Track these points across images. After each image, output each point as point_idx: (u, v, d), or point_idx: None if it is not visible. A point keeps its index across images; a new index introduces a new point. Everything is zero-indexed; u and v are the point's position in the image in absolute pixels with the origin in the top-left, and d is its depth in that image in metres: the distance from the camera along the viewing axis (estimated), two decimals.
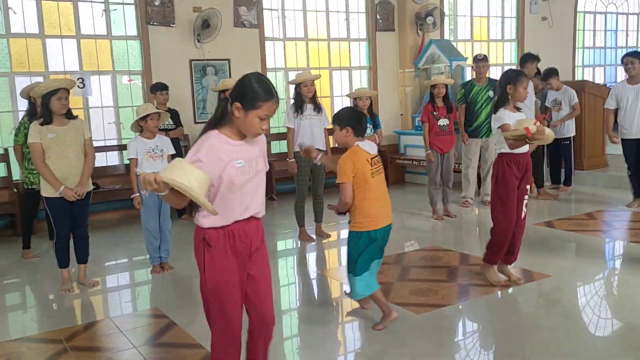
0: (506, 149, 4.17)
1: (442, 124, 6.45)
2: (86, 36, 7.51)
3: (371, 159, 3.57)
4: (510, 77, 4.24)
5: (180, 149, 7.07)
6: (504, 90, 4.25)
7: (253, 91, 2.45)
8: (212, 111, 8.14)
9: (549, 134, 4.03)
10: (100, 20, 7.57)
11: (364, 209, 3.56)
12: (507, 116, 4.20)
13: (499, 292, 4.29)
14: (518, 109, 4.36)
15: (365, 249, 3.60)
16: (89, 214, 4.83)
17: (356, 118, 3.62)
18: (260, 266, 2.71)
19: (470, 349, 3.46)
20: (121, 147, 7.80)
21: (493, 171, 4.39)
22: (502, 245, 4.29)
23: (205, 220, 2.51)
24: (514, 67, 11.07)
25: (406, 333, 3.61)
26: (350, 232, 3.67)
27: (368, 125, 6.10)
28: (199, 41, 8.03)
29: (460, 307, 4.05)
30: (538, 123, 3.91)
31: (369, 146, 3.60)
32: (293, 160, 5.79)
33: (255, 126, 2.48)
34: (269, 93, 2.47)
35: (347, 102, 9.55)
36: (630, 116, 6.51)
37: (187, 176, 2.25)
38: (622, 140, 6.73)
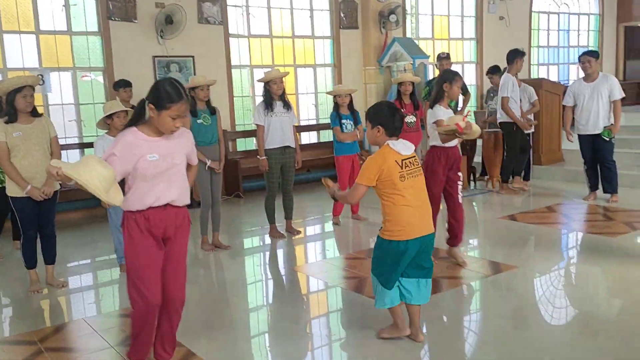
0: (437, 143, 4.62)
1: (409, 121, 6.56)
2: (46, 32, 7.33)
3: (402, 160, 3.18)
4: (448, 76, 4.64)
5: None
6: (441, 88, 4.63)
7: (165, 93, 2.79)
8: None
9: (476, 130, 4.36)
10: (60, 16, 7.40)
11: (394, 216, 3.17)
12: (441, 112, 4.58)
13: (469, 284, 4.42)
14: (452, 107, 4.85)
15: (397, 261, 3.19)
16: (55, 213, 4.73)
17: (388, 115, 3.22)
18: (175, 252, 3.02)
19: (446, 338, 3.55)
20: (83, 145, 7.65)
21: (424, 161, 4.77)
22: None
23: (124, 204, 2.85)
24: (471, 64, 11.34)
25: (382, 326, 3.68)
26: (377, 238, 3.29)
27: (349, 121, 6.26)
28: (162, 37, 7.94)
29: (434, 299, 4.13)
30: (466, 119, 4.25)
31: (401, 146, 3.22)
32: (264, 157, 5.80)
33: (168, 124, 2.82)
34: (179, 95, 2.80)
35: (312, 99, 9.62)
36: (586, 113, 6.73)
37: (90, 173, 2.54)
38: (579, 135, 6.96)
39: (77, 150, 7.59)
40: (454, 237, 4.81)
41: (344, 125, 6.23)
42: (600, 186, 6.95)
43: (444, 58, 7.21)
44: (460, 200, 4.80)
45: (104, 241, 6.20)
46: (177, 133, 2.91)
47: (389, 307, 3.32)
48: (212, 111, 5.51)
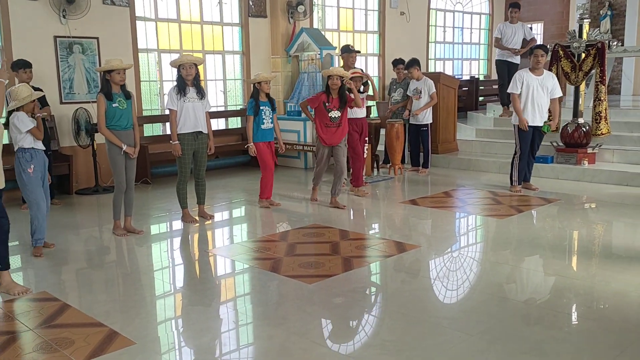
0: (351, 116, 6.79)
1: (333, 116, 6.42)
2: None
3: None
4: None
5: (47, 129, 6.72)
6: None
7: None
8: (80, 91, 7.88)
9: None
10: None
11: None
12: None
13: (379, 262, 4.76)
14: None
15: None
16: None
17: None
18: None
19: (359, 311, 3.85)
20: None
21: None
22: (360, 172, 7.10)
23: None
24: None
25: (301, 302, 3.92)
26: None
27: (267, 107, 6.39)
28: (64, 17, 7.66)
29: (346, 276, 4.43)
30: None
31: None
32: (177, 142, 5.82)
33: None
34: None
35: (220, 86, 9.64)
36: (535, 105, 6.90)
37: None
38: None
39: None
40: (356, 179, 7.10)
41: (262, 112, 6.36)
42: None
43: (353, 51, 7.53)
44: (364, 155, 7.27)
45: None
46: None
47: None
48: (127, 95, 5.46)
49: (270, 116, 6.45)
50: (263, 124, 6.39)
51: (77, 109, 7.57)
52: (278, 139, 6.65)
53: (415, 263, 4.76)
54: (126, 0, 8.22)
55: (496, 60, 10.11)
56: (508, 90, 7.18)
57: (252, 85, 6.53)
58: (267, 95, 6.44)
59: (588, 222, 6.16)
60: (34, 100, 4.94)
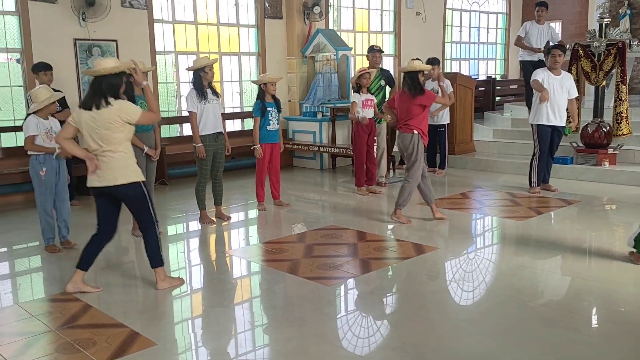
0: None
1: None
2: None
3: None
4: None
5: None
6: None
7: None
8: None
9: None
10: None
11: None
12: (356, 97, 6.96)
13: (396, 264, 4.75)
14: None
15: None
16: None
17: None
18: None
19: (378, 313, 3.84)
20: None
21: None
22: (360, 171, 7.24)
23: None
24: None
25: (320, 303, 3.92)
26: None
27: (273, 109, 6.39)
28: (84, 20, 7.74)
29: (365, 278, 4.42)
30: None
31: None
32: (201, 144, 5.85)
33: None
34: None
35: (236, 87, 9.68)
36: (556, 105, 6.80)
37: None
38: (541, 126, 6.87)
39: None
40: (370, 179, 7.35)
41: (269, 113, 6.37)
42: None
43: (376, 51, 7.54)
44: (374, 155, 7.38)
45: (18, 230, 6.03)
46: None
47: None
48: None
49: (277, 117, 6.46)
50: (269, 125, 6.39)
51: None
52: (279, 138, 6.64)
53: (434, 265, 4.74)
54: (144, 3, 8.29)
55: (521, 61, 9.80)
56: (531, 79, 6.96)
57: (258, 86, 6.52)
58: (273, 96, 6.45)
59: (609, 224, 6.09)
60: (54, 102, 5.02)
